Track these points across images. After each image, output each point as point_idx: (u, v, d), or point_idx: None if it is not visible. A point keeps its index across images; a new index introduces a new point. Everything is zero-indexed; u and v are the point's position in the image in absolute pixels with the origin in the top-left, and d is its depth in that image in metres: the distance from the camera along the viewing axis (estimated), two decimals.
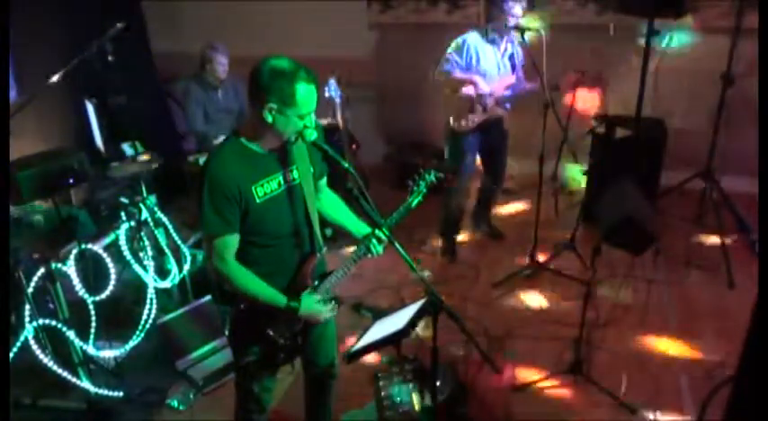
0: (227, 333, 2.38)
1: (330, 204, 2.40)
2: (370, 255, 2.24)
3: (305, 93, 1.96)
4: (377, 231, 2.20)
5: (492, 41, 3.88)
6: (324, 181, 2.37)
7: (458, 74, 3.85)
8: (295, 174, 2.15)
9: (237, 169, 2.02)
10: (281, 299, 2.16)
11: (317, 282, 2.29)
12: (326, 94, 4.36)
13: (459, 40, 3.85)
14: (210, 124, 4.50)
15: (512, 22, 3.73)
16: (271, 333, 2.24)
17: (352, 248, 2.41)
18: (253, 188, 2.05)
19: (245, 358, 2.31)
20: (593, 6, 4.91)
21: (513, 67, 4.01)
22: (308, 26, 5.38)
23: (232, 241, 2.08)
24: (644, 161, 4.34)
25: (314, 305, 2.24)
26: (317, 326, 2.37)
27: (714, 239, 4.28)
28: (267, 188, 2.08)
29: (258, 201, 2.06)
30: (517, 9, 3.71)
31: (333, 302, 2.33)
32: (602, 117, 4.63)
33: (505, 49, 3.95)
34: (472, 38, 3.85)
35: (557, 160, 4.53)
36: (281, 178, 2.12)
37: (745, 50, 4.05)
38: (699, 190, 4.56)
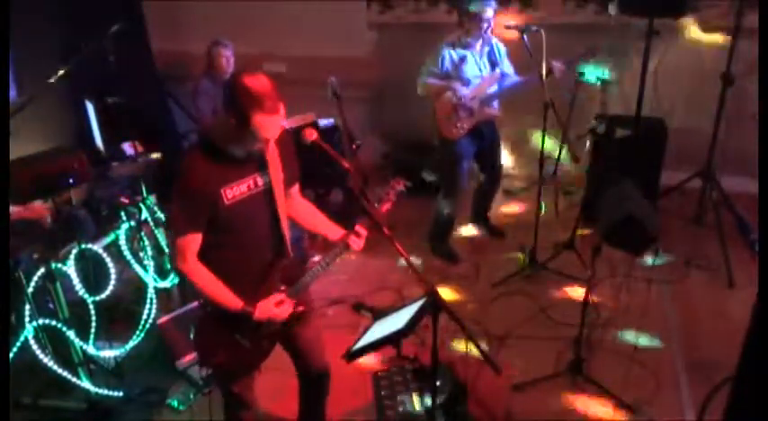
0: (191, 336, 2.37)
1: (303, 211, 2.43)
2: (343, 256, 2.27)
3: (266, 122, 1.97)
4: (356, 227, 2.25)
5: (467, 46, 3.88)
6: (296, 188, 2.39)
7: (434, 82, 3.87)
8: (266, 178, 2.17)
9: (208, 170, 2.05)
10: (236, 302, 2.16)
11: (285, 286, 2.28)
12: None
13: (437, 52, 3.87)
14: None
15: (484, 26, 3.75)
16: (236, 336, 2.24)
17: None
18: (222, 190, 2.07)
19: (212, 361, 2.28)
20: (594, 6, 4.91)
21: (494, 65, 4.00)
22: (308, 26, 5.37)
23: (194, 240, 2.10)
24: (644, 161, 4.34)
25: (271, 309, 2.21)
26: (304, 329, 2.40)
27: (714, 239, 4.28)
28: (237, 190, 2.11)
29: (227, 202, 2.08)
30: (489, 12, 3.73)
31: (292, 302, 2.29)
32: (602, 117, 4.63)
33: (482, 51, 3.95)
34: (447, 47, 3.87)
35: (556, 160, 4.53)
36: (251, 181, 2.14)
37: (745, 50, 4.05)
38: (699, 190, 4.55)
